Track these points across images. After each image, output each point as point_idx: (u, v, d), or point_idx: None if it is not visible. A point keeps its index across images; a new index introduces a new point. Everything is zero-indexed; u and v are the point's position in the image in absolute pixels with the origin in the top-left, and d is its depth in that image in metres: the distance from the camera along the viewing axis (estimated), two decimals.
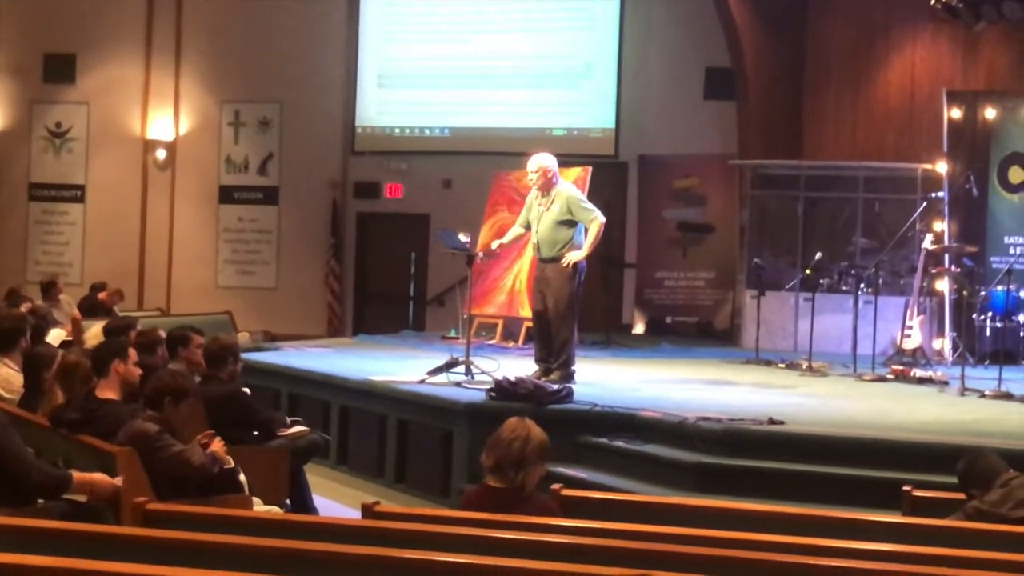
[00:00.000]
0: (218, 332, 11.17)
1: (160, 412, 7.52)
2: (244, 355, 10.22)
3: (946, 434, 9.53)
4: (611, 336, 16.81)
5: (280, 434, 9.35)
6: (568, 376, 11.45)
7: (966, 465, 6.71)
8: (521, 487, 5.75)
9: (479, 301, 15.81)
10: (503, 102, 19.89)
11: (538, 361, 11.80)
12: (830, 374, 13.75)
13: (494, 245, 12.45)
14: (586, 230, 11.46)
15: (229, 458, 7.66)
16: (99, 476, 6.95)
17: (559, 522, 5.55)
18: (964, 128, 16.34)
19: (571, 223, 11.43)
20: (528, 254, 15.04)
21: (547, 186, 11.55)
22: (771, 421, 9.68)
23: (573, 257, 11.37)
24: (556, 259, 11.46)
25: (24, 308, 14.04)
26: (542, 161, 11.62)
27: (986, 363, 14.18)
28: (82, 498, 7.00)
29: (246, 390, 9.83)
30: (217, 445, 7.57)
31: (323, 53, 20.72)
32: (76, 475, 6.92)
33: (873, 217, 16.53)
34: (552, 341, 11.63)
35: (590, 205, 11.52)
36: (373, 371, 12.51)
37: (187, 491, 7.20)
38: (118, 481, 6.90)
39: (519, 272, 15.93)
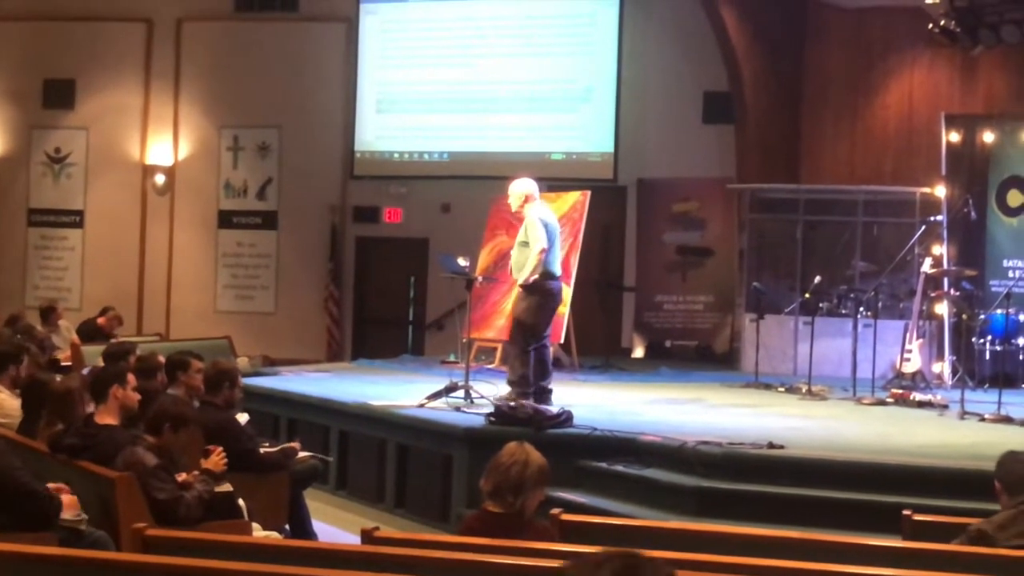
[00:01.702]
0: (217, 357, 11.14)
1: (159, 438, 7.52)
2: (243, 380, 10.19)
3: (946, 458, 9.52)
4: (610, 360, 16.81)
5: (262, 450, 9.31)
6: (522, 395, 11.46)
7: (1008, 459, 6.57)
8: (520, 512, 5.74)
9: (478, 325, 15.80)
10: (502, 127, 19.91)
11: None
12: (830, 398, 13.74)
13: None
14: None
15: (226, 484, 7.66)
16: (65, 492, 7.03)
17: (558, 547, 5.53)
18: (962, 152, 16.36)
19: (529, 244, 11.68)
20: None
21: (520, 209, 11.88)
22: (771, 445, 9.67)
23: (519, 280, 11.69)
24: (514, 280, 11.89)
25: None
26: (515, 186, 12.01)
27: (986, 386, 14.17)
28: (82, 526, 6.99)
29: (245, 415, 9.82)
30: (215, 461, 7.56)
31: (322, 78, 20.75)
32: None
33: (872, 241, 16.54)
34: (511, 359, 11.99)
35: (540, 231, 11.61)
36: (372, 396, 12.50)
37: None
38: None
39: None
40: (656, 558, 2.41)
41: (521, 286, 11.65)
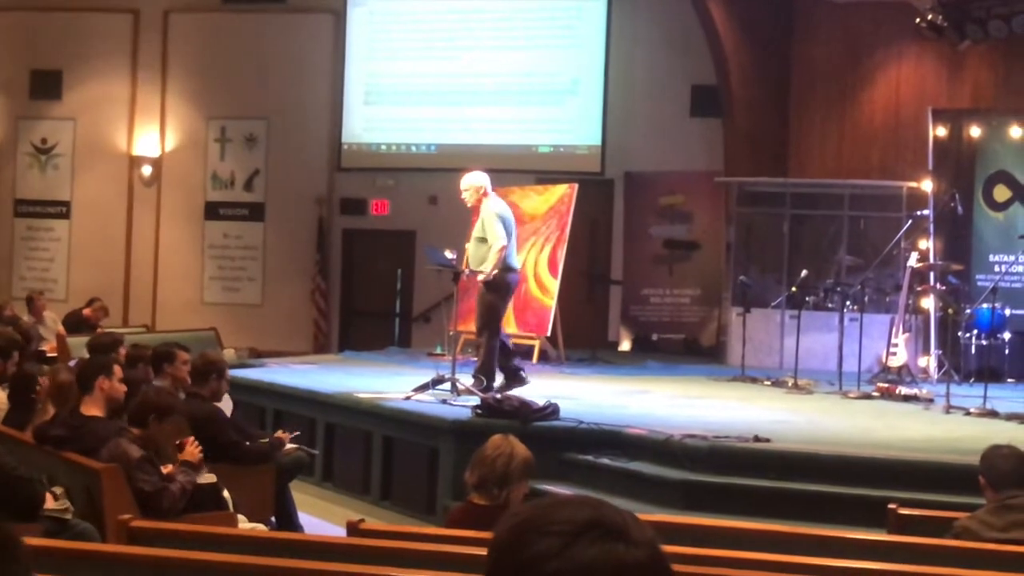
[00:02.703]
0: (204, 349, 11.13)
1: (144, 429, 7.51)
2: (230, 371, 10.18)
3: (931, 452, 9.54)
4: (597, 353, 16.81)
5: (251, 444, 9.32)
6: (480, 382, 11.73)
7: (992, 454, 6.54)
8: (505, 504, 5.74)
9: (465, 318, 15.79)
10: (489, 119, 19.88)
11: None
12: (815, 392, 13.76)
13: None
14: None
15: (210, 474, 7.65)
16: None
17: None
18: (949, 146, 16.39)
19: (486, 240, 11.85)
20: None
21: (477, 203, 12.03)
22: (757, 439, 9.69)
23: (480, 278, 11.84)
24: (478, 273, 11.98)
25: None
26: (467, 179, 12.15)
27: (971, 381, 14.19)
28: (68, 515, 6.99)
29: (230, 404, 9.82)
30: (190, 451, 7.55)
31: (310, 70, 20.71)
32: None
33: (858, 235, 16.55)
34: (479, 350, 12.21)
35: (498, 228, 11.76)
36: (359, 388, 12.49)
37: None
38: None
39: None
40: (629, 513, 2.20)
41: (483, 282, 11.78)
